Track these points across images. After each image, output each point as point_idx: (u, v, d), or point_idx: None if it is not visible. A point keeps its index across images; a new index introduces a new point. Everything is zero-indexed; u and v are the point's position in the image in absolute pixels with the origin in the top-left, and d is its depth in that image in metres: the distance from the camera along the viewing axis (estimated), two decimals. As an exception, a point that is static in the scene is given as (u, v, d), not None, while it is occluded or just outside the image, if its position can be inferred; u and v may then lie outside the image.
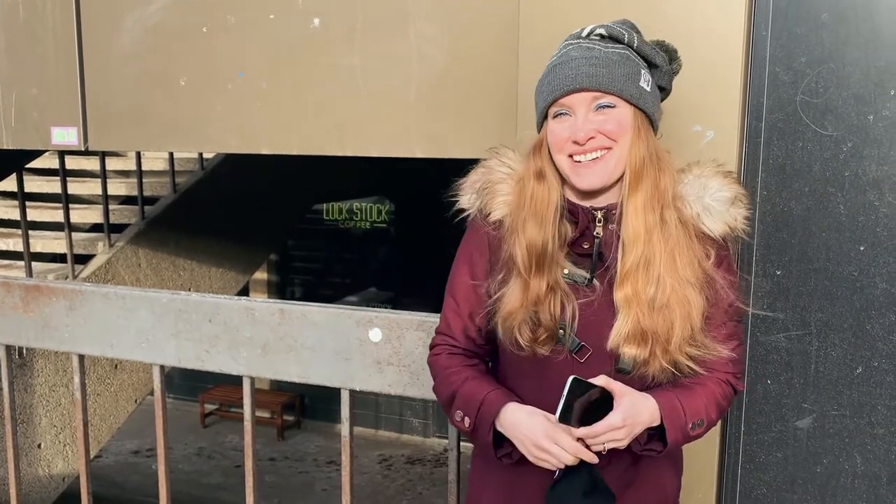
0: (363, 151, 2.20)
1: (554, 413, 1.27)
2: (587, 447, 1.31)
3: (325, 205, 7.89)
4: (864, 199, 1.68)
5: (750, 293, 1.78)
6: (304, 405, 8.10)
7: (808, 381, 1.77)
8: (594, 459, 1.31)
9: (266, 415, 7.77)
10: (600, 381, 1.30)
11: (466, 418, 1.41)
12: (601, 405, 1.29)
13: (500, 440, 1.39)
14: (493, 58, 1.99)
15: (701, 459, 1.82)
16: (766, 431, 1.82)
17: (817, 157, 1.71)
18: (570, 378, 1.26)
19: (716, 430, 1.81)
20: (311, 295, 8.21)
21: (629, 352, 1.34)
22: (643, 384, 1.37)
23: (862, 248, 1.70)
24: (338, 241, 8.07)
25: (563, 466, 1.31)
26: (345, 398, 1.86)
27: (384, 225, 7.88)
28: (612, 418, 1.28)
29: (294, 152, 2.28)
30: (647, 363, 1.35)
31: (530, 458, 1.34)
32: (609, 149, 1.33)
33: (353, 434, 1.88)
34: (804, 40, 1.69)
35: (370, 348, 1.81)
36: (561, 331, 1.37)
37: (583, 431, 1.28)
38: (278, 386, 8.03)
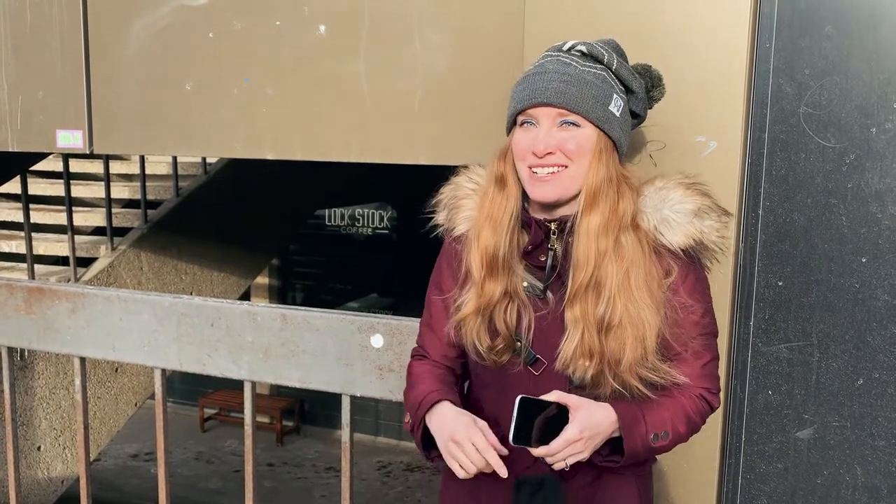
0: (367, 157, 2.21)
1: (508, 431, 1.25)
2: (549, 465, 1.29)
3: (327, 210, 7.91)
4: (866, 211, 1.69)
5: (752, 303, 1.78)
6: (304, 411, 8.09)
7: (810, 392, 1.77)
8: (504, 474, 1.27)
9: (265, 420, 7.75)
10: (553, 396, 1.28)
11: (411, 419, 1.42)
12: (558, 420, 1.27)
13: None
14: (498, 66, 2.00)
15: (701, 469, 1.82)
16: (767, 442, 1.82)
17: (820, 168, 1.71)
18: (519, 398, 1.25)
19: (716, 441, 1.81)
20: (312, 300, 8.20)
21: (578, 372, 1.32)
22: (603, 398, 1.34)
23: (864, 260, 1.70)
24: (340, 247, 8.08)
25: (473, 471, 1.28)
26: (345, 404, 1.86)
27: (386, 231, 7.89)
28: (568, 432, 1.26)
29: (299, 157, 2.29)
30: (598, 384, 1.32)
31: (445, 456, 1.31)
32: (565, 167, 1.32)
33: (353, 440, 1.88)
34: (808, 52, 1.70)
35: (371, 354, 1.81)
36: (518, 342, 1.36)
37: (541, 451, 1.26)
38: (278, 391, 8.02)
